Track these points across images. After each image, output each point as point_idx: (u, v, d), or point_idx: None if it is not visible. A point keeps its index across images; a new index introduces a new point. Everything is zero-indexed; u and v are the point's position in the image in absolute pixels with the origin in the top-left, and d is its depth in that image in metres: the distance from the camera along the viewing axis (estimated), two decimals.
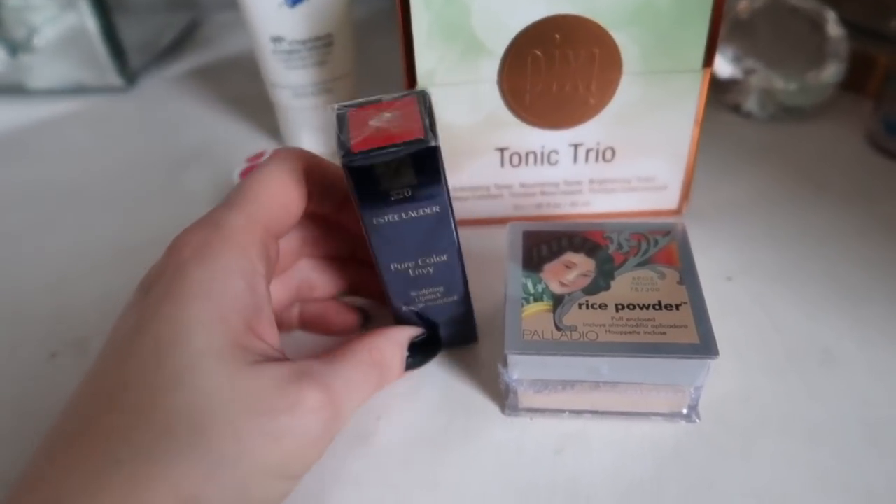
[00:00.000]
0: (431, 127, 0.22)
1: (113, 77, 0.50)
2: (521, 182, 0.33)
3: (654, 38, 0.28)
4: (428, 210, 0.23)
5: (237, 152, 0.42)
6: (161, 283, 0.22)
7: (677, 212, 0.34)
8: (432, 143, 0.21)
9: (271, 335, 0.23)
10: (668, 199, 0.33)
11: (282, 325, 0.28)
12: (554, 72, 0.29)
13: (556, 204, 0.34)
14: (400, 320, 0.27)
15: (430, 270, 0.25)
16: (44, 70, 0.50)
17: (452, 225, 0.24)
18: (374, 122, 0.22)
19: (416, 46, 0.29)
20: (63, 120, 0.48)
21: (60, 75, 0.50)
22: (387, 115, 0.22)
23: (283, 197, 0.24)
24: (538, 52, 0.29)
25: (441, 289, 0.26)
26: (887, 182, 0.36)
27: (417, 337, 0.27)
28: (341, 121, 0.23)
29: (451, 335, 0.28)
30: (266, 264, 0.24)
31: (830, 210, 0.34)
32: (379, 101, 0.23)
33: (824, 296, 0.30)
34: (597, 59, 0.29)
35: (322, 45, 0.37)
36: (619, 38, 0.28)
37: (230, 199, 0.24)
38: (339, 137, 0.22)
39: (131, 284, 0.33)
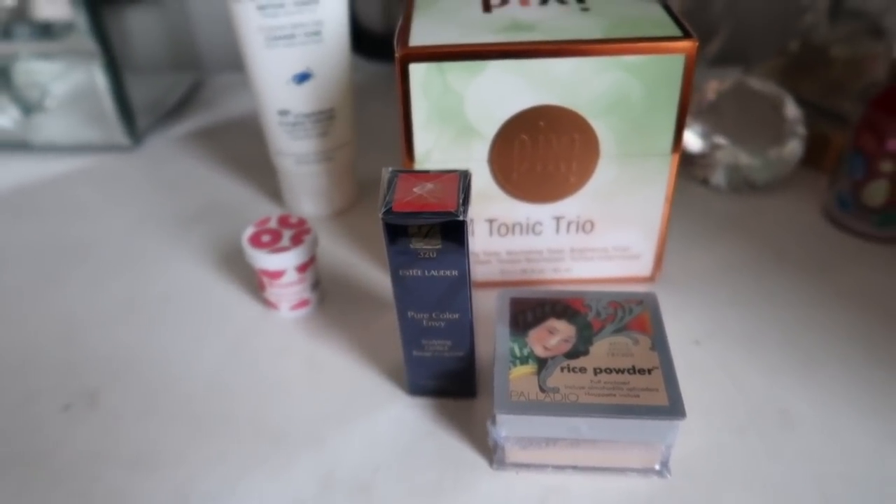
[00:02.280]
0: (465, 202, 0.25)
1: (120, 136, 0.52)
2: (508, 250, 0.36)
3: (628, 126, 0.31)
4: (448, 273, 0.26)
5: (241, 214, 0.45)
6: None
7: (650, 279, 0.37)
8: (460, 217, 0.25)
9: None
10: (642, 266, 0.36)
11: None
12: (538, 153, 0.32)
13: (540, 270, 0.36)
14: (409, 361, 0.30)
15: (442, 325, 0.28)
16: (52, 128, 0.52)
17: (468, 289, 0.27)
18: (417, 189, 0.26)
19: (415, 129, 0.32)
20: (70, 177, 0.50)
21: (68, 133, 0.52)
22: (429, 185, 0.26)
23: None
24: (524, 136, 0.32)
25: (449, 343, 0.29)
26: (839, 253, 0.39)
27: None
28: (390, 183, 0.26)
29: (454, 387, 0.31)
30: None
31: (789, 278, 0.37)
32: (427, 172, 0.27)
33: (782, 360, 0.33)
34: (577, 143, 0.32)
35: (325, 118, 0.40)
36: (597, 125, 0.32)
37: None
38: (384, 196, 0.25)
39: (141, 337, 0.35)
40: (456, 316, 0.28)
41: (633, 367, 0.28)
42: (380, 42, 0.61)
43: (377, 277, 0.39)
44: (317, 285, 0.36)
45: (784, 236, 0.41)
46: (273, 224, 0.35)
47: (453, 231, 0.25)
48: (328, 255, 0.40)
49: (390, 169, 0.27)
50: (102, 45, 0.48)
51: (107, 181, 0.50)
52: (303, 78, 0.38)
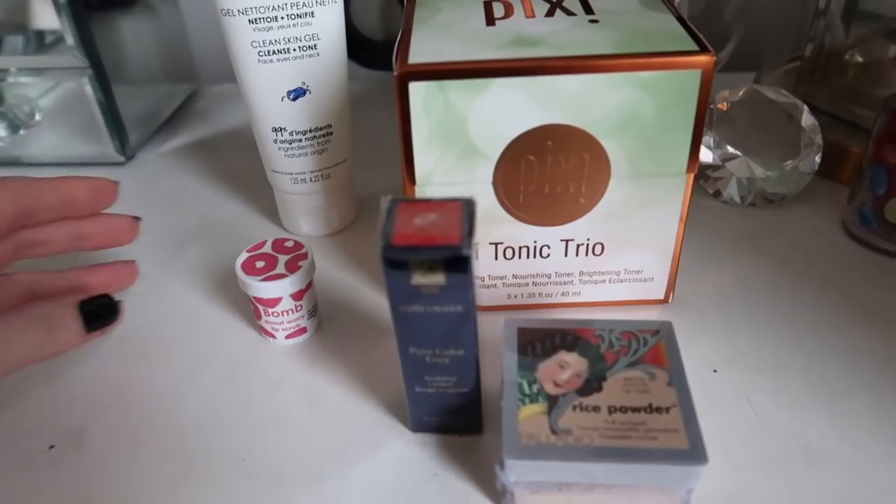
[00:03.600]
0: (469, 234, 0.23)
1: (111, 151, 0.51)
2: (514, 273, 0.34)
3: (641, 145, 0.30)
4: (452, 308, 0.25)
5: (236, 233, 0.43)
6: None
7: (664, 301, 0.35)
8: (464, 253, 0.23)
9: None
10: (655, 290, 0.35)
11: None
12: (546, 174, 0.31)
13: (548, 294, 0.35)
14: (411, 398, 0.28)
15: (446, 361, 0.27)
16: (42, 143, 0.51)
17: (473, 325, 0.25)
18: (418, 221, 0.24)
19: (416, 149, 0.30)
20: None
21: (58, 148, 0.51)
22: (432, 215, 0.24)
23: None
24: (531, 157, 0.30)
25: (454, 379, 0.27)
26: (861, 272, 0.37)
27: (90, 301, 0.29)
28: (390, 213, 0.24)
29: (459, 423, 0.29)
30: None
31: (808, 299, 0.36)
32: (429, 200, 0.25)
33: (805, 389, 0.31)
34: (587, 163, 0.30)
35: (322, 135, 0.38)
36: (608, 145, 0.30)
37: None
38: (383, 227, 0.24)
39: (130, 370, 0.34)
40: (461, 352, 0.26)
41: (650, 406, 0.26)
42: (378, 50, 0.59)
43: (377, 301, 0.37)
44: (314, 312, 0.35)
45: (802, 253, 0.39)
46: (268, 248, 0.34)
47: (457, 266, 0.23)
48: (326, 277, 0.39)
49: (390, 197, 0.25)
50: (91, 58, 0.47)
51: None
52: (298, 94, 0.37)
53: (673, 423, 0.25)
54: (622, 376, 0.27)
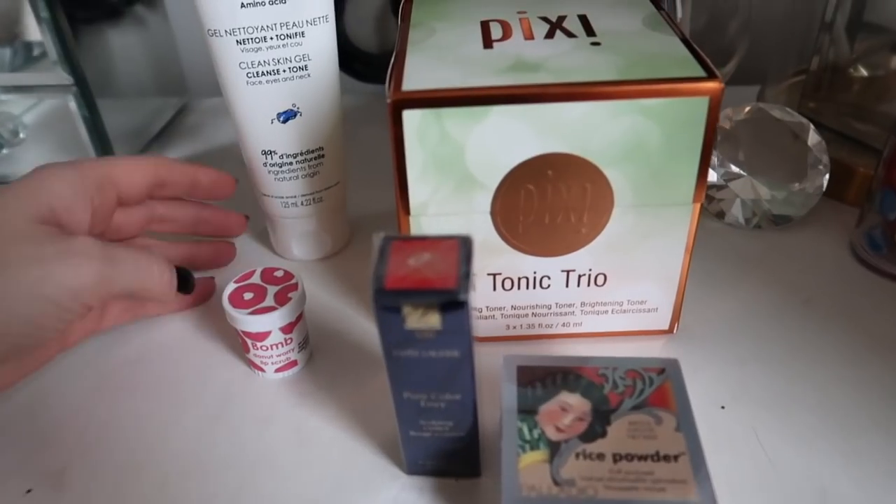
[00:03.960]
0: (466, 276, 0.22)
1: None
2: (513, 304, 0.33)
3: (646, 174, 0.29)
4: (448, 353, 0.23)
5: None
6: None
7: (668, 331, 0.34)
8: (461, 298, 0.22)
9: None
10: (659, 320, 0.33)
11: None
12: (546, 204, 0.29)
13: (548, 325, 0.33)
14: (406, 442, 0.27)
15: (442, 405, 0.25)
16: (27, 161, 0.49)
17: (471, 370, 0.24)
18: (412, 261, 0.23)
19: (410, 180, 0.29)
20: None
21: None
22: (426, 255, 0.23)
23: (132, 169, 0.34)
24: (531, 186, 0.29)
25: (450, 423, 0.26)
26: (871, 299, 0.36)
27: (177, 268, 0.33)
28: (382, 252, 0.23)
29: (455, 467, 0.28)
30: (92, 197, 0.32)
31: (817, 328, 0.34)
32: (423, 238, 0.23)
33: (816, 426, 0.30)
34: (589, 192, 0.29)
35: (313, 158, 0.37)
36: (611, 174, 0.29)
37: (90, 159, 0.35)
38: (376, 268, 0.22)
39: (111, 407, 0.32)
40: (458, 397, 0.25)
41: (658, 454, 0.25)
42: (373, 63, 0.58)
43: (370, 330, 0.36)
44: (305, 344, 0.33)
45: (809, 279, 0.38)
46: (256, 279, 0.32)
47: (454, 310, 0.22)
48: (317, 304, 0.37)
49: (382, 235, 0.24)
50: (76, 74, 0.45)
51: None
52: (288, 116, 0.35)
53: (682, 472, 0.24)
54: (627, 420, 0.26)
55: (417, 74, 0.28)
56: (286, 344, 0.32)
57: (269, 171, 0.37)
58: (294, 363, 0.33)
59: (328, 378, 0.33)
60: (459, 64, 0.29)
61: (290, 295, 0.31)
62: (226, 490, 0.28)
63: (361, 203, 0.44)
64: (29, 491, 0.29)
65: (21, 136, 0.48)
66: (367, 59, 0.58)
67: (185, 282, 0.33)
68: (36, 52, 0.46)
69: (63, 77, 0.45)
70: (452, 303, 0.22)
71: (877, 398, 0.31)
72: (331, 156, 0.38)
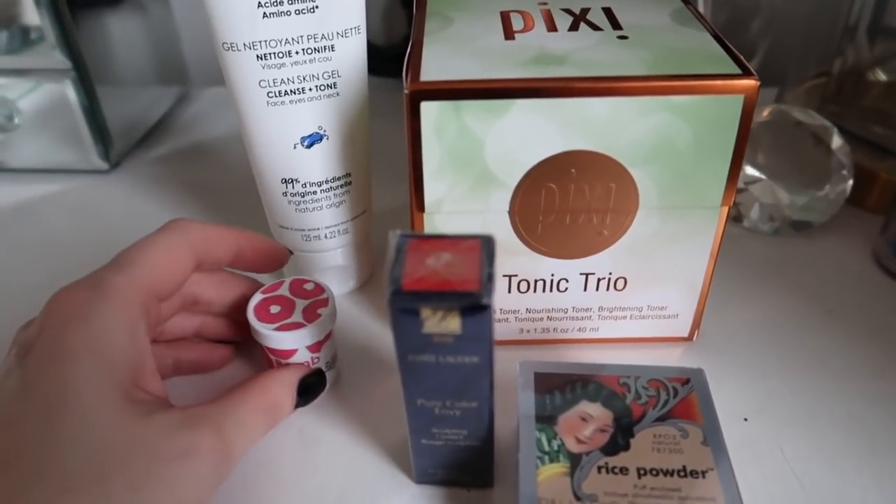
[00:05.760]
0: (489, 278, 0.21)
1: (95, 159, 0.48)
2: (529, 307, 0.31)
3: (673, 175, 0.27)
4: (468, 359, 0.22)
5: None
6: (42, 344, 0.22)
7: (688, 339, 0.33)
8: (484, 301, 0.20)
9: (157, 386, 0.25)
10: (679, 327, 0.32)
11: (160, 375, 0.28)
12: (568, 204, 0.28)
13: (564, 329, 0.32)
14: (416, 450, 0.26)
15: (457, 413, 0.24)
16: (22, 149, 0.47)
17: (490, 377, 0.23)
18: (431, 262, 0.21)
19: (426, 176, 0.27)
20: (42, 202, 0.46)
21: (39, 155, 0.48)
22: (446, 256, 0.21)
23: (169, 265, 0.26)
24: (552, 185, 0.28)
25: (465, 432, 0.25)
26: None
27: (307, 377, 0.28)
28: (399, 251, 0.22)
29: (467, 477, 0.27)
30: (146, 321, 0.25)
31: (841, 339, 0.33)
32: (443, 237, 0.22)
33: (843, 441, 0.28)
34: (612, 193, 0.28)
35: (339, 186, 0.34)
36: (637, 174, 0.27)
37: (115, 261, 0.26)
38: (392, 269, 0.21)
39: None
40: (474, 404, 0.24)
41: (685, 469, 0.23)
42: (380, 55, 0.56)
43: (379, 333, 0.34)
44: (332, 364, 0.31)
45: (832, 287, 0.36)
46: (284, 290, 0.30)
47: (476, 314, 0.21)
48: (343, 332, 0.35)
49: (398, 232, 0.22)
50: (74, 60, 0.44)
51: (79, 211, 0.45)
52: (314, 140, 0.32)
53: (710, 489, 0.23)
54: (651, 432, 0.25)
55: (435, 64, 0.27)
56: (312, 364, 0.30)
57: (290, 202, 0.33)
58: None
59: (332, 381, 0.32)
60: (479, 55, 0.27)
61: (319, 311, 0.29)
62: (229, 496, 0.27)
63: (381, 216, 0.42)
64: None
65: (16, 121, 0.46)
66: (375, 51, 0.56)
67: (306, 391, 0.28)
68: (33, 35, 0.44)
69: (61, 61, 0.43)
70: (474, 306, 0.20)
71: None
72: (358, 182, 0.34)
